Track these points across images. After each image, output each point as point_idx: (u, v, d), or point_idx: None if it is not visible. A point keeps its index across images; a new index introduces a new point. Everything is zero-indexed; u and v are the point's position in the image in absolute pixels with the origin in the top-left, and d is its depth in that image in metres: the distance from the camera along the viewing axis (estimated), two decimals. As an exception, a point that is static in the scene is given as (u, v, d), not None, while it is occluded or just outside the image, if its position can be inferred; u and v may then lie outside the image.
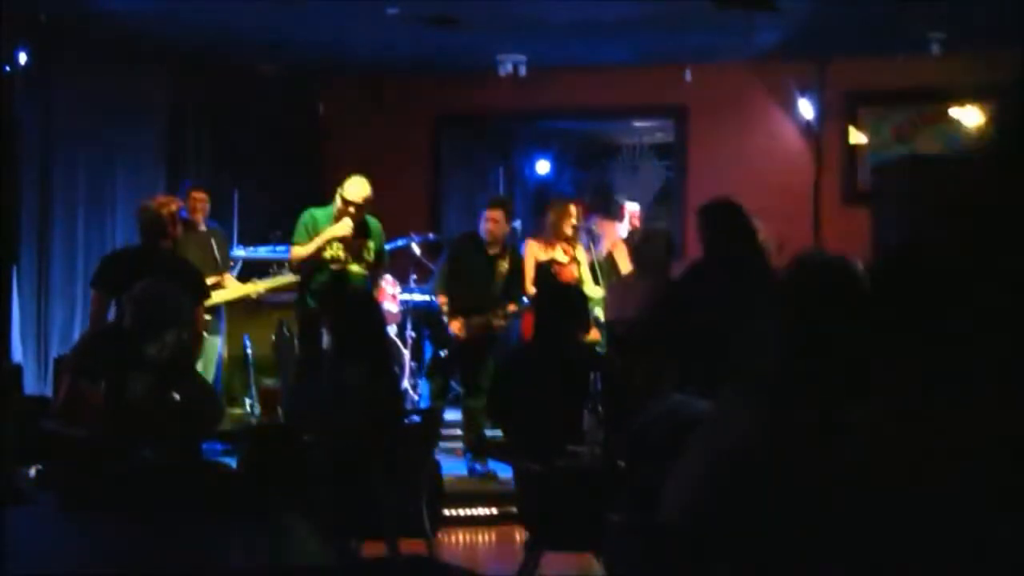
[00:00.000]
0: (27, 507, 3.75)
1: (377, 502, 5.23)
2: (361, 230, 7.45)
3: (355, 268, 7.43)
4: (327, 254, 7.35)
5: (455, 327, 8.04)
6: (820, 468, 2.41)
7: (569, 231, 8.47)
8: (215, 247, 8.46)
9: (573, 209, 8.58)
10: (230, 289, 8.46)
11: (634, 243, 8.26)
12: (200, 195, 8.66)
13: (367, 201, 7.37)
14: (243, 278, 8.78)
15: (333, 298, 6.94)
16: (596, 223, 9.55)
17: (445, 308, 8.14)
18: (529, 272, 8.37)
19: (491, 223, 8.10)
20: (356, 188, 7.36)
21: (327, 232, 7.32)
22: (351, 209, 7.30)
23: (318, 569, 2.85)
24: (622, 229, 9.73)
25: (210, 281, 7.51)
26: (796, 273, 2.65)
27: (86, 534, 3.14)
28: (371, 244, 7.49)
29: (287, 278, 8.27)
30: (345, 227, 7.30)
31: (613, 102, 11.13)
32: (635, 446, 3.71)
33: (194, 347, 7.13)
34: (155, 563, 2.84)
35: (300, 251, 7.39)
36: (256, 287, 8.50)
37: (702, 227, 6.08)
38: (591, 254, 8.80)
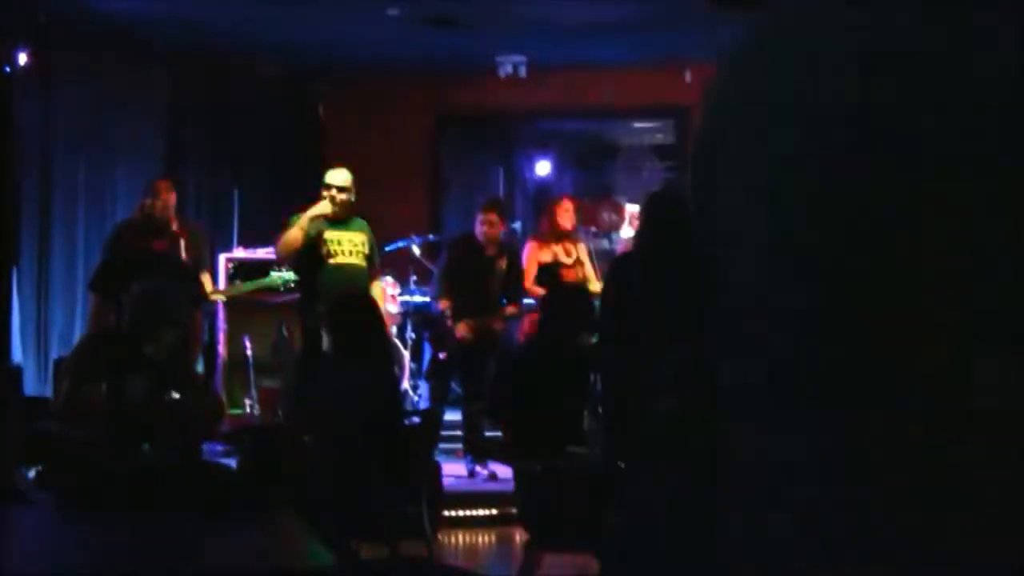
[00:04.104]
0: (27, 507, 3.75)
1: (377, 503, 5.23)
2: (346, 221, 7.47)
3: (355, 262, 7.43)
4: (323, 249, 7.35)
5: (461, 330, 8.01)
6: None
7: (568, 226, 8.48)
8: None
9: (568, 204, 8.59)
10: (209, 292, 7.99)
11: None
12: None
13: (347, 186, 7.41)
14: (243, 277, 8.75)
15: (332, 298, 6.93)
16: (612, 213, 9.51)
17: (449, 312, 8.10)
18: (530, 272, 8.36)
19: (486, 225, 8.10)
20: (335, 173, 7.47)
21: (307, 212, 7.36)
22: (332, 192, 7.38)
23: (318, 570, 2.84)
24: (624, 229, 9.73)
25: None
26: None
27: (86, 534, 3.14)
28: (362, 238, 7.49)
29: (272, 279, 8.11)
30: (324, 207, 7.36)
31: (613, 102, 11.12)
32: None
33: (193, 348, 7.12)
34: (154, 563, 2.83)
35: (285, 237, 7.40)
36: (228, 291, 8.46)
37: (641, 216, 6.08)
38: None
